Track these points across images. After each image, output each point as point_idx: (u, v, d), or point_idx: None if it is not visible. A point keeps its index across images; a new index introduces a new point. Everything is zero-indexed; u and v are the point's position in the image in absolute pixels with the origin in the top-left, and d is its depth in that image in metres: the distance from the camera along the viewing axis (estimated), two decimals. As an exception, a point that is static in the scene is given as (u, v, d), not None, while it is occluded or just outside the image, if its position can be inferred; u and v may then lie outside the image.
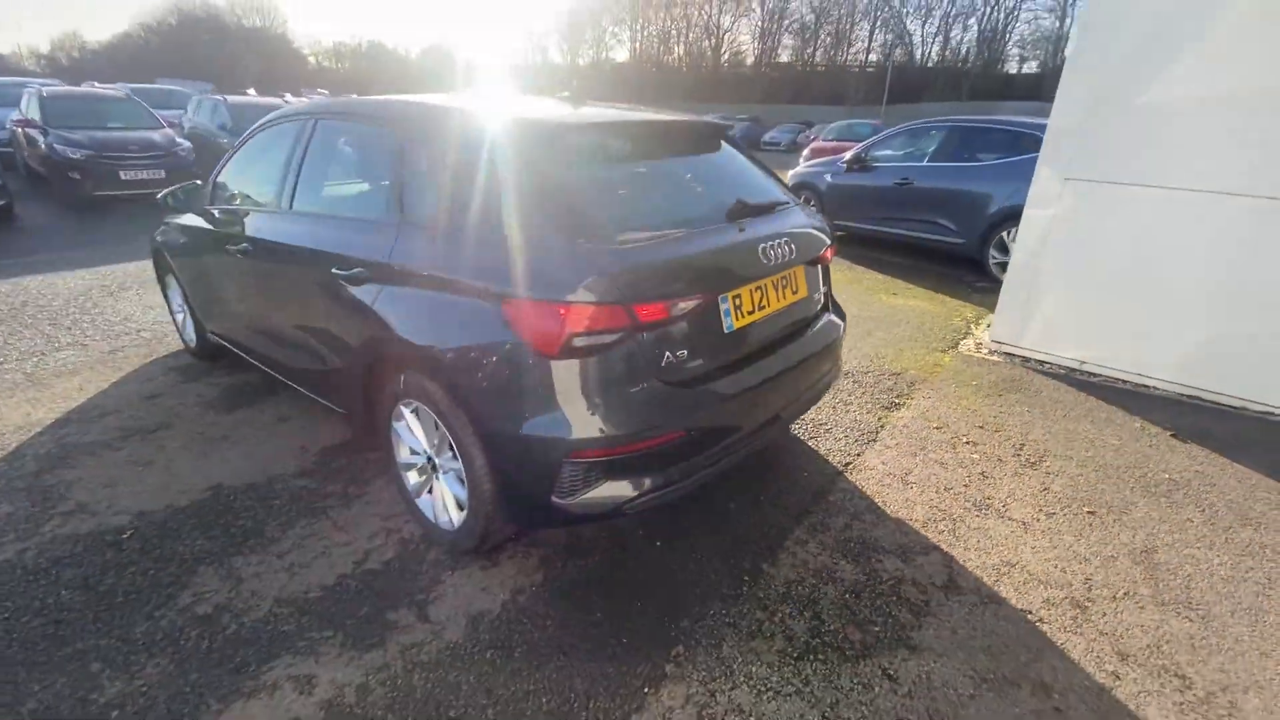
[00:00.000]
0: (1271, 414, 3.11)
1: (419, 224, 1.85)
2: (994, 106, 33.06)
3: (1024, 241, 3.72)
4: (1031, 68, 42.99)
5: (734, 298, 1.83)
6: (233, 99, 10.73)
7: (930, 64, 45.36)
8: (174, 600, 1.81)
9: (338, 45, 72.35)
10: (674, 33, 54.53)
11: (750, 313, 1.88)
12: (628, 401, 1.62)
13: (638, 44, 57.05)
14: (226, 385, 3.23)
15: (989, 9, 43.39)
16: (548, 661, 1.64)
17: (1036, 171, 3.59)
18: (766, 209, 2.08)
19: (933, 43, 46.41)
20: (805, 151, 15.56)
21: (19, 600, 1.80)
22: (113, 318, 4.11)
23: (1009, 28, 43.65)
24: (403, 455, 2.12)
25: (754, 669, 1.63)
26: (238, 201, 2.83)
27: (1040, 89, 38.48)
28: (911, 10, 46.22)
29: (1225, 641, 1.77)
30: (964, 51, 45.39)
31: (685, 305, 1.67)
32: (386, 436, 2.13)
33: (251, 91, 18.72)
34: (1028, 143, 5.30)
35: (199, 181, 3.26)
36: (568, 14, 58.00)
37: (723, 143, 2.33)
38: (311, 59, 68.66)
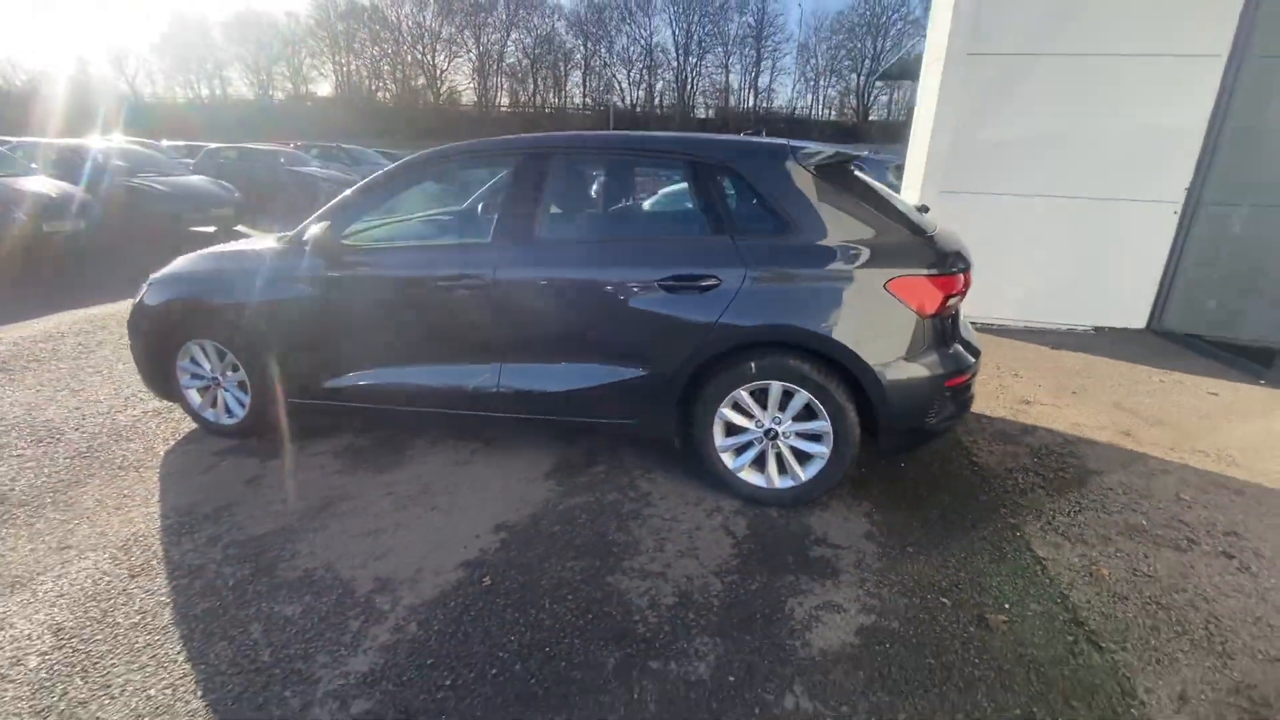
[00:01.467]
0: (1076, 328, 5.10)
1: (798, 237, 2.27)
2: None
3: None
4: (711, 114, 52.37)
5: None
6: None
7: (639, 108, 51.88)
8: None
9: None
10: (385, 68, 52.39)
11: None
12: (959, 345, 2.33)
13: (343, 78, 53.26)
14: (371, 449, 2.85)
15: (681, 61, 51.67)
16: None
17: (921, 187, 5.16)
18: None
19: (638, 89, 53.18)
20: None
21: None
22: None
23: (694, 80, 52.53)
24: (727, 438, 2.43)
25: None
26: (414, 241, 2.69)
27: (728, 127, 47.16)
28: (617, 59, 52.34)
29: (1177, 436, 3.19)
30: (661, 98, 53.04)
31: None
32: (705, 430, 2.42)
33: None
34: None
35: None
36: (255, 44, 50.99)
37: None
38: None
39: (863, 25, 47.53)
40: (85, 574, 2.06)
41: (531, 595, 1.96)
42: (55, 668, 1.68)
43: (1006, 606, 1.92)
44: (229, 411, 3.04)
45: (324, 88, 53.78)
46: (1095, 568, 2.10)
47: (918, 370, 2.23)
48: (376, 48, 50.95)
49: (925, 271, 2.19)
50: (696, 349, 2.32)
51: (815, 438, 2.36)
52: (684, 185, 3.02)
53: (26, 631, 1.81)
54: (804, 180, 2.31)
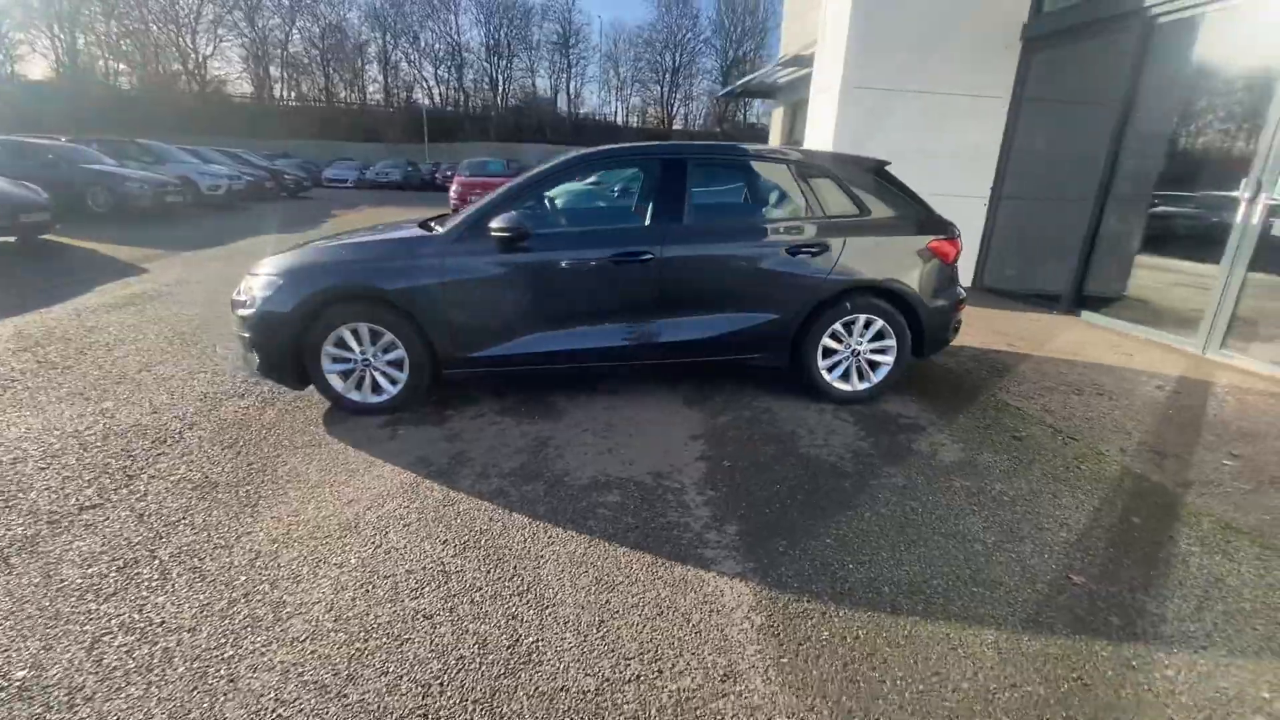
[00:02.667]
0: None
1: (870, 216, 3.39)
2: (521, 149, 39.84)
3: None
4: (526, 117, 52.78)
5: None
6: None
7: (451, 108, 50.31)
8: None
9: None
10: (126, 47, 43.97)
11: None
12: (958, 285, 3.66)
13: (60, 56, 43.58)
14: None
15: (492, 64, 51.12)
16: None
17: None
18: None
19: (446, 87, 51.46)
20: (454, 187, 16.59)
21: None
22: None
23: (505, 83, 52.36)
24: (824, 360, 3.49)
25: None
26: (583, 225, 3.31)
27: (545, 133, 48.00)
28: (423, 56, 50.07)
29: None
30: (470, 99, 52.01)
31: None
32: (811, 354, 3.45)
33: None
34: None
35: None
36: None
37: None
38: None
39: (660, 41, 51.69)
40: (412, 515, 2.45)
41: (762, 466, 2.83)
42: (485, 566, 2.18)
43: (1020, 430, 3.26)
44: (376, 390, 3.32)
45: (37, 68, 43.51)
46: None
47: (944, 301, 3.51)
48: (116, 23, 42.62)
49: (947, 236, 3.48)
50: (813, 296, 3.35)
51: (882, 352, 3.53)
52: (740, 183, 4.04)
53: (428, 553, 2.24)
54: (869, 178, 3.46)
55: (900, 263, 3.42)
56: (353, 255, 3.27)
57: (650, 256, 3.23)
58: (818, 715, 1.56)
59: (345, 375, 3.30)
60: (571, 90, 53.17)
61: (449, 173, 28.96)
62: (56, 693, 1.59)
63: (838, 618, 1.90)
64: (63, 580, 2.00)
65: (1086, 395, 3.78)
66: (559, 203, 4.00)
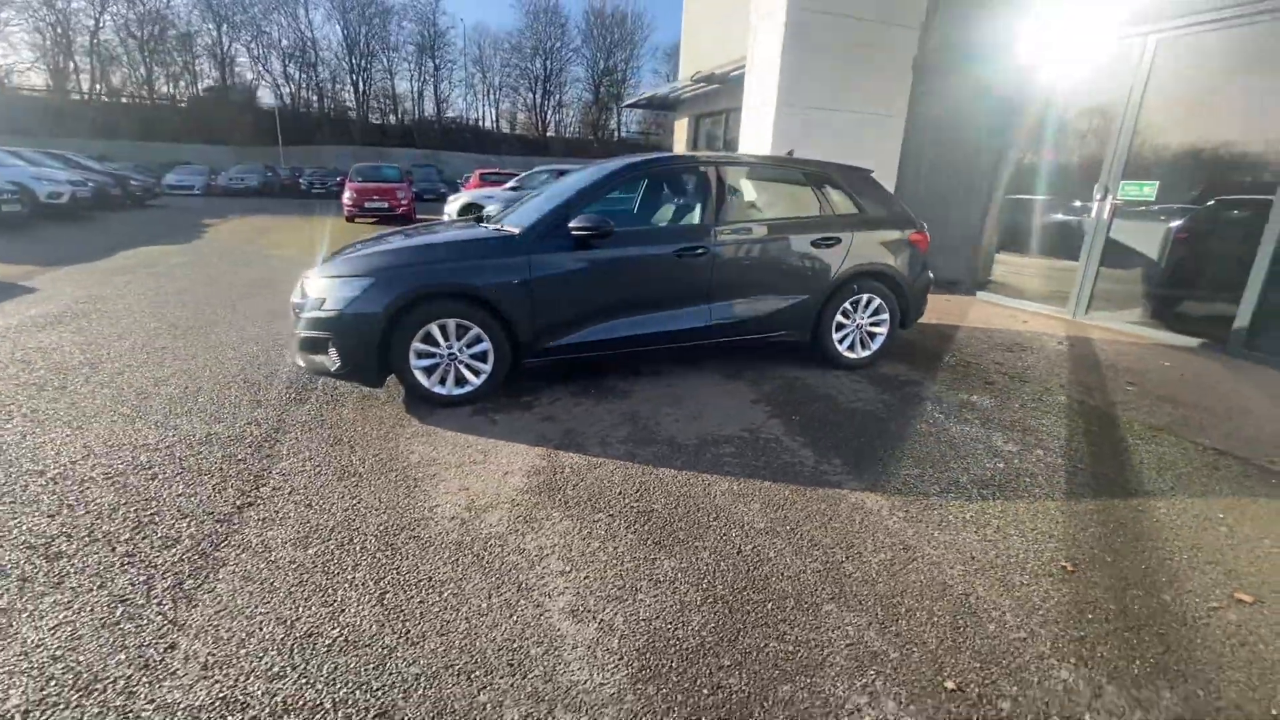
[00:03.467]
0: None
1: (868, 214, 4.14)
2: (389, 153, 37.98)
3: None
4: (391, 120, 50.33)
5: None
6: None
7: (305, 109, 46.49)
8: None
9: None
10: None
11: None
12: (928, 270, 4.57)
13: None
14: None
15: (351, 63, 47.90)
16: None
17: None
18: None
19: (298, 87, 47.49)
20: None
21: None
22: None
23: (366, 84, 49.37)
24: (836, 333, 4.22)
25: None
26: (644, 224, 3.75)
27: (413, 137, 46.09)
28: (270, 52, 45.81)
29: (955, 319, 6.16)
30: (324, 100, 48.48)
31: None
32: (827, 328, 4.16)
33: None
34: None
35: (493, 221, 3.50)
36: None
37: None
38: None
39: (529, 47, 51.72)
40: (573, 477, 2.79)
41: (822, 418, 3.47)
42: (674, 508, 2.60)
43: (988, 378, 4.20)
44: (459, 382, 3.53)
45: None
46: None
47: (920, 282, 4.40)
48: None
49: (920, 230, 4.36)
50: (831, 279, 4.07)
51: (878, 325, 4.34)
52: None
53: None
54: (862, 183, 4.25)
55: (891, 252, 4.25)
56: (443, 255, 3.47)
57: (704, 250, 3.76)
58: (956, 553, 2.21)
59: (429, 371, 3.47)
60: (439, 94, 51.50)
61: (326, 179, 27.14)
62: (385, 635, 1.81)
63: (947, 505, 2.57)
64: (302, 558, 2.14)
65: (1016, 352, 4.87)
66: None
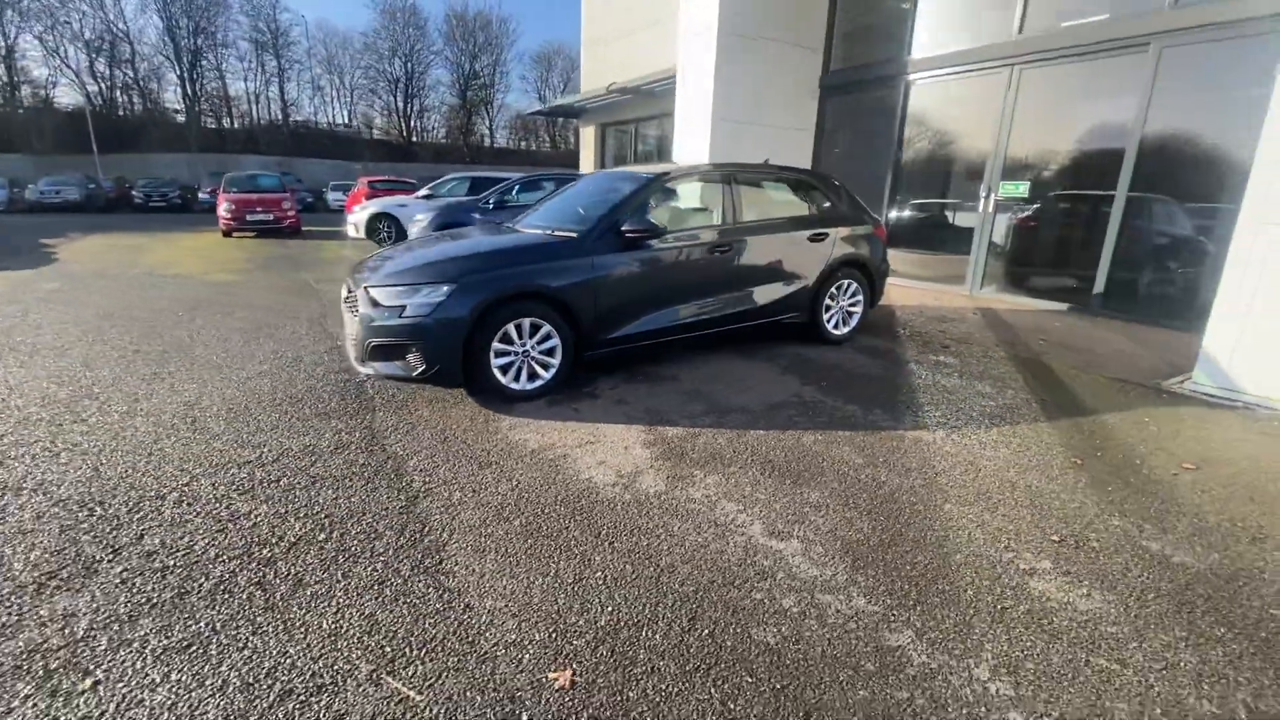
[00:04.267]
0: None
1: (843, 212, 4.92)
2: (233, 160, 34.50)
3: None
4: (228, 125, 45.49)
5: None
6: None
7: (124, 111, 40.56)
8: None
9: None
10: None
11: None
12: (887, 259, 5.49)
13: None
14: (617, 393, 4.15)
15: (177, 61, 42.47)
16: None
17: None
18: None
19: (108, 86, 41.29)
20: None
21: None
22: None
23: (199, 84, 44.05)
24: (825, 314, 4.97)
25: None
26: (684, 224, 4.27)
27: (258, 143, 42.06)
28: (71, 45, 39.32)
29: (883, 300, 7.28)
30: (149, 98, 42.76)
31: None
32: (820, 309, 4.91)
33: None
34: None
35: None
36: None
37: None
38: None
39: (387, 49, 49.18)
40: (682, 449, 3.23)
41: (843, 383, 4.17)
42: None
43: (944, 343, 5.17)
44: (531, 377, 3.80)
45: None
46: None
47: (884, 269, 5.30)
48: None
49: (878, 223, 5.26)
50: (825, 267, 4.81)
51: (855, 306, 5.16)
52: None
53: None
54: (834, 187, 5.06)
55: (863, 243, 5.10)
56: (519, 259, 3.74)
57: (729, 247, 4.34)
58: (1004, 462, 2.98)
59: (504, 369, 3.70)
60: (285, 96, 47.36)
61: (166, 191, 24.21)
62: (643, 568, 2.19)
63: (976, 433, 3.35)
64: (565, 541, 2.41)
65: (950, 322, 5.97)
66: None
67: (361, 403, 3.70)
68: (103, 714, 1.57)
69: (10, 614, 1.89)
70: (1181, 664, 1.79)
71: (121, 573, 2.09)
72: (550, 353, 3.82)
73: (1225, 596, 2.09)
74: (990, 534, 2.41)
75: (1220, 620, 1.97)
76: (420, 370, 3.48)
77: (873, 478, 2.86)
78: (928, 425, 3.47)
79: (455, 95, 51.34)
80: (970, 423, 3.52)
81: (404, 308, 3.46)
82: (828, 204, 5.04)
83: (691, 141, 8.50)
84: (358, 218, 12.02)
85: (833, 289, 4.99)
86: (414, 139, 49.63)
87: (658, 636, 1.86)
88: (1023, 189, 6.79)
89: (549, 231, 4.18)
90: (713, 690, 1.67)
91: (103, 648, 1.77)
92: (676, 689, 1.67)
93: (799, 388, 4.05)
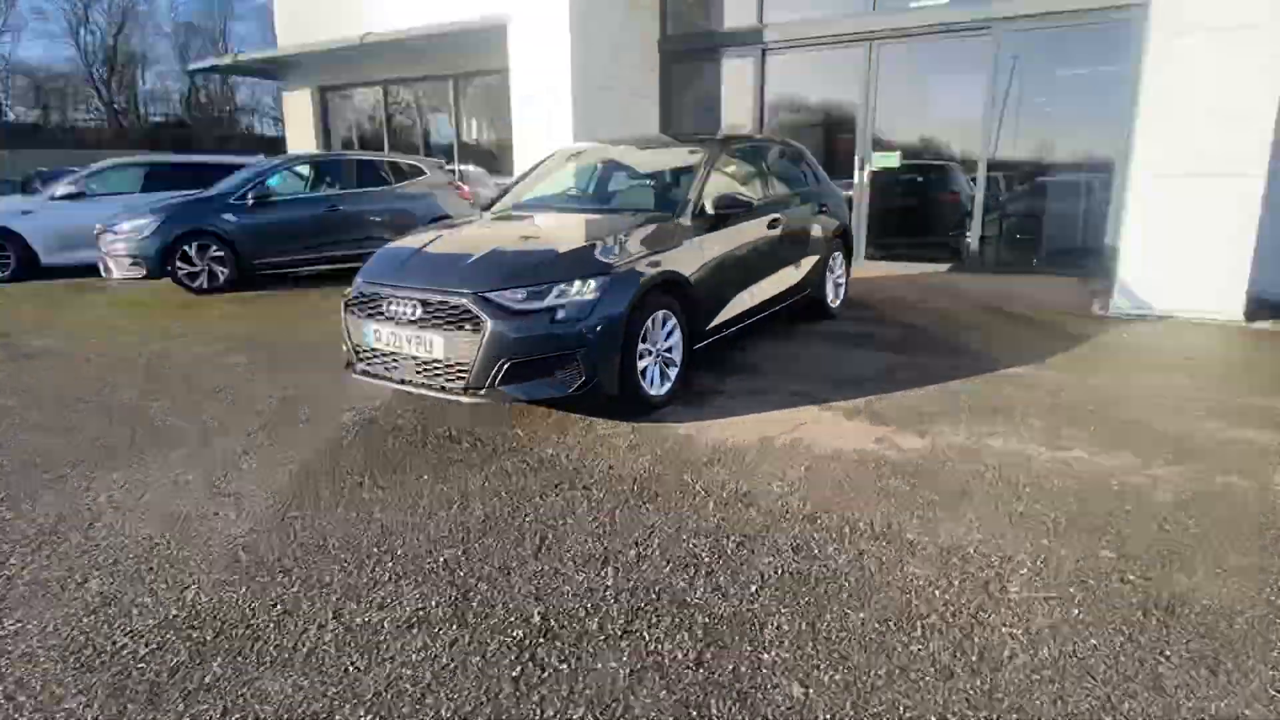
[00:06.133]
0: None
1: (825, 184, 5.36)
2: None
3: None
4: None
5: None
6: None
7: None
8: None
9: None
10: None
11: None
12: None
13: None
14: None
15: None
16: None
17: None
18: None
19: None
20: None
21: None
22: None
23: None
24: (829, 285, 5.39)
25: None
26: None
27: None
28: None
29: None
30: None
31: None
32: (825, 277, 5.30)
33: None
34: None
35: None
36: None
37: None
38: None
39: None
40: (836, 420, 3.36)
41: (904, 343, 4.65)
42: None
43: (898, 309, 5.98)
44: (663, 379, 3.47)
45: None
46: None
47: (850, 238, 5.92)
48: None
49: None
50: (830, 238, 5.23)
51: (841, 277, 5.66)
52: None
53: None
54: (810, 158, 5.47)
55: (844, 212, 5.63)
56: (650, 246, 3.41)
57: (778, 219, 4.45)
58: (1078, 383, 3.73)
59: (643, 372, 3.32)
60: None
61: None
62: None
63: (1043, 363, 4.08)
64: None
65: (880, 290, 6.78)
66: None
67: (483, 420, 3.03)
68: None
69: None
70: None
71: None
72: (671, 350, 3.53)
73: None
74: (1104, 443, 2.98)
75: None
76: (579, 384, 3.00)
77: (1038, 403, 3.41)
78: (1010, 362, 4.15)
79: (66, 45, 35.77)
80: (1030, 360, 4.20)
81: (554, 311, 2.93)
82: (814, 175, 5.43)
83: (547, 113, 7.76)
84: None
85: (831, 260, 5.37)
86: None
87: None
88: (894, 160, 8.00)
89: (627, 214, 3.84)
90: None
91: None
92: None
93: (874, 354, 4.43)
